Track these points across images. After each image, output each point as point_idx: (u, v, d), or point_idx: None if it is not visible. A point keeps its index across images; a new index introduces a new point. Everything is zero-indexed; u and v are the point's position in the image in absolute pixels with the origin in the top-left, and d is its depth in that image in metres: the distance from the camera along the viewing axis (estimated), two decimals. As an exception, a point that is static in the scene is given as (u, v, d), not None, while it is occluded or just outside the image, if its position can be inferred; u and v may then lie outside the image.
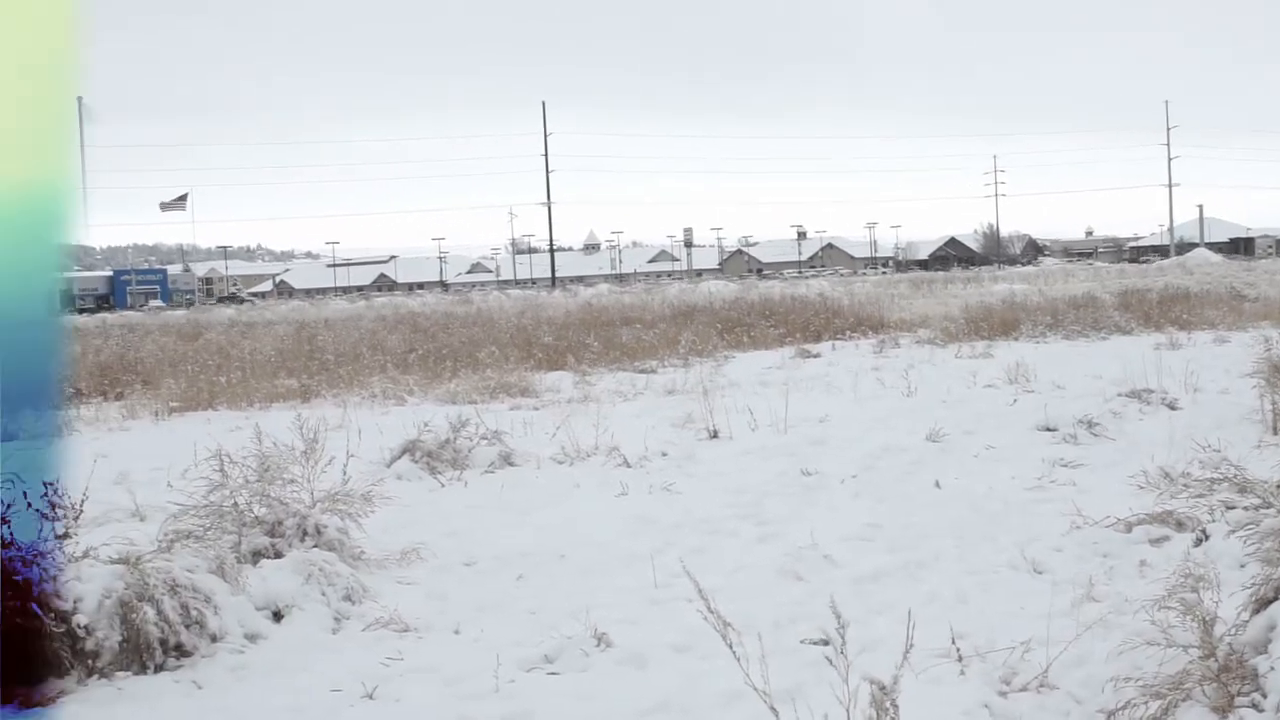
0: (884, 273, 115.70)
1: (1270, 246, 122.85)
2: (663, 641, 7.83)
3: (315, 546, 9.51)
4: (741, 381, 22.98)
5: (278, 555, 9.36)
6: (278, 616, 8.59)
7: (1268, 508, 8.73)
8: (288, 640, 8.27)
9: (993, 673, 6.94)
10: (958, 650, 7.06)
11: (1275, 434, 13.78)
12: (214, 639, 8.05)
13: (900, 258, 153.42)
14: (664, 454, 14.71)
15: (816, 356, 28.46)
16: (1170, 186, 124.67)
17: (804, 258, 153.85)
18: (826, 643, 5.87)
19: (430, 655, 7.92)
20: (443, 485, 13.66)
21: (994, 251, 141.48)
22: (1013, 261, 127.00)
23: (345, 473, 10.81)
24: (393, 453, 14.54)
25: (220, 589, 8.38)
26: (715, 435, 15.98)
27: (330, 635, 8.45)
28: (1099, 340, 29.49)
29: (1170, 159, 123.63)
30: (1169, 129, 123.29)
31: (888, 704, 5.02)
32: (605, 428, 15.65)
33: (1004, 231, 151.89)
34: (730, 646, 5.39)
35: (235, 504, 9.72)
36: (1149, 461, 11.94)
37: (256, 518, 9.78)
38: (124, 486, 12.98)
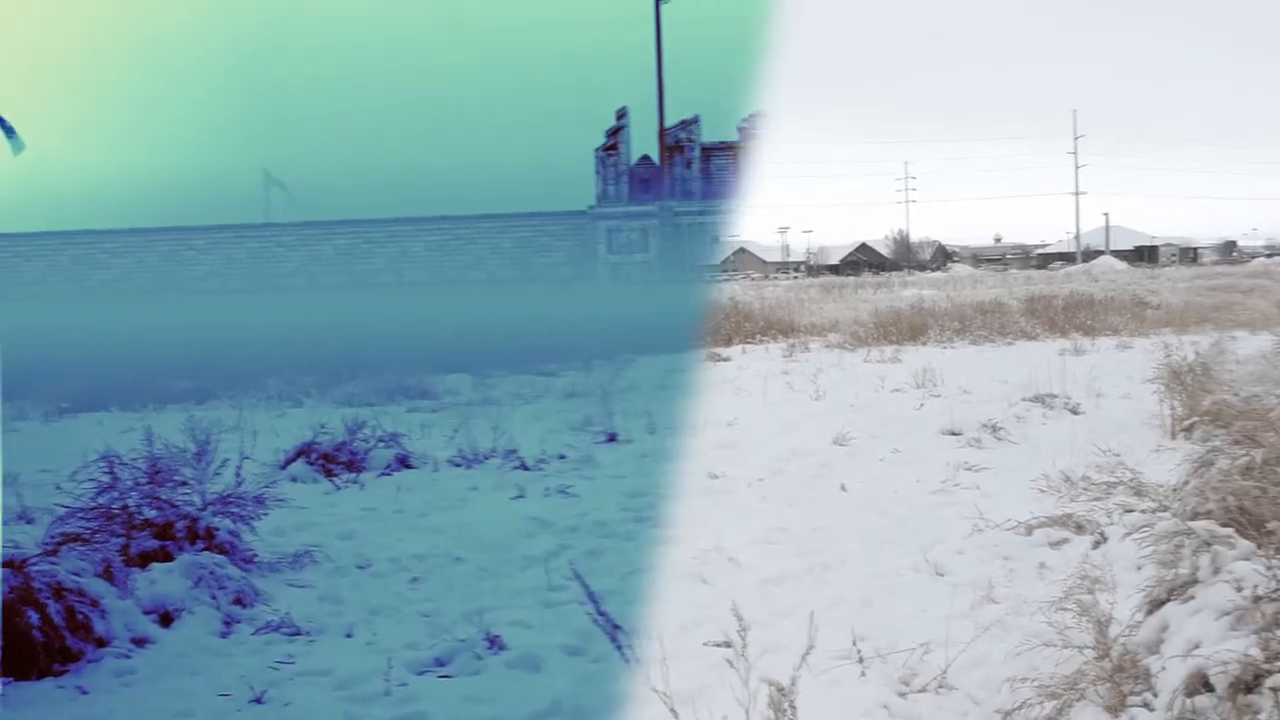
0: (795, 277, 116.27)
1: (1173, 254, 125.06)
2: (556, 644, 7.76)
3: (206, 549, 9.32)
4: (642, 384, 22.98)
5: (168, 558, 9.15)
6: (167, 620, 8.41)
7: (1163, 511, 8.84)
8: (176, 644, 8.09)
9: (893, 674, 6.91)
10: (859, 652, 7.03)
11: (1174, 438, 13.94)
12: (101, 643, 7.84)
13: (812, 262, 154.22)
14: (562, 456, 14.66)
15: (726, 360, 28.50)
16: (1077, 195, 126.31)
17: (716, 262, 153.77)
18: (730, 645, 5.82)
19: (322, 659, 7.78)
20: (338, 488, 13.49)
21: (904, 257, 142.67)
22: (923, 267, 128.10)
23: (239, 475, 10.61)
24: (288, 455, 14.34)
25: (108, 593, 8.19)
26: (614, 438, 15.93)
27: (220, 639, 8.28)
28: (1005, 345, 29.79)
29: (1078, 167, 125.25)
30: (1076, 138, 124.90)
31: (785, 705, 4.97)
32: (503, 431, 15.56)
33: (914, 237, 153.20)
34: (620, 649, 5.32)
35: (125, 506, 9.52)
36: (1051, 465, 12.03)
37: (146, 520, 9.56)
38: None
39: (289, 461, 14.22)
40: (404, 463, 14.49)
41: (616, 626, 5.95)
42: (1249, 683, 5.58)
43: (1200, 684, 5.73)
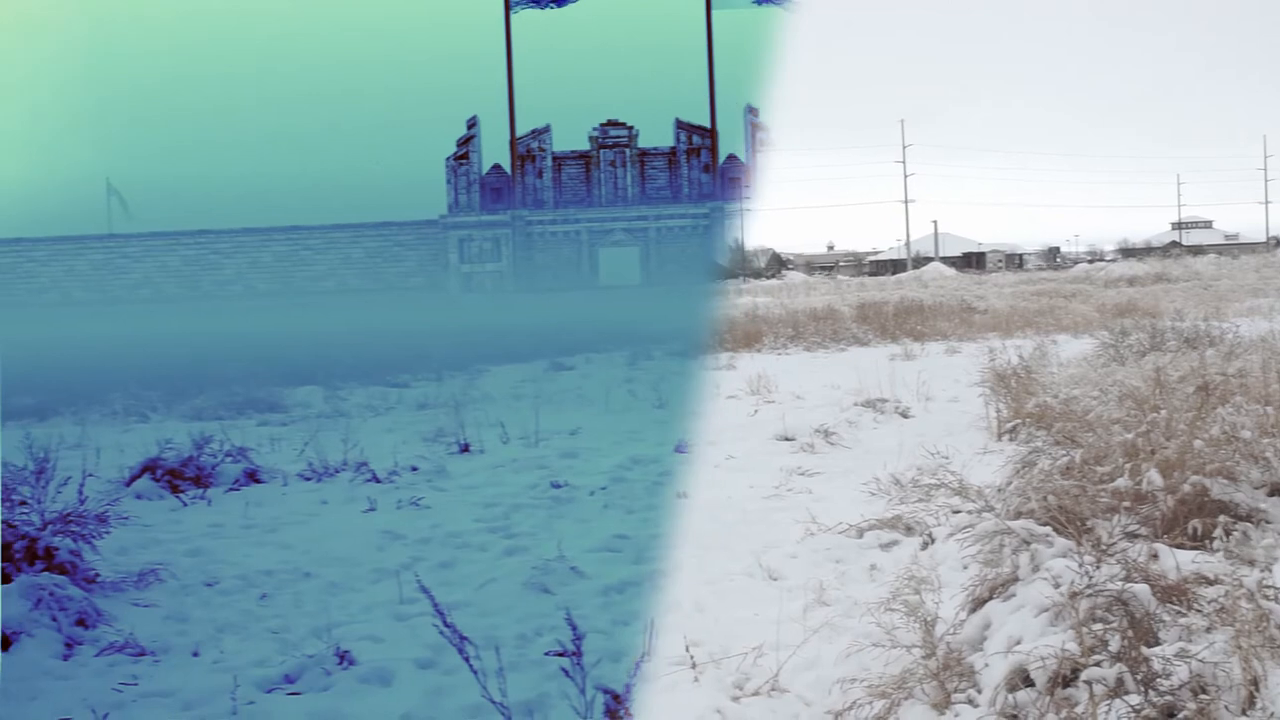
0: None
1: (1000, 261, 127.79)
2: (407, 657, 7.81)
3: (46, 570, 9.20)
4: (495, 395, 23.04)
5: (5, 580, 9.02)
6: (5, 643, 8.28)
7: (988, 511, 9.16)
8: (16, 668, 7.98)
9: (726, 678, 7.09)
10: (692, 658, 7.22)
11: (999, 440, 14.37)
12: (-65, 669, 7.74)
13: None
14: (414, 468, 14.66)
15: (570, 369, 28.64)
16: (906, 203, 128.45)
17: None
18: (566, 654, 5.97)
19: (167, 679, 7.75)
20: (185, 504, 13.34)
21: (739, 265, 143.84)
22: (757, 275, 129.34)
23: (81, 493, 10.49)
24: (132, 471, 14.16)
25: (-58, 616, 8.07)
26: (467, 449, 15.97)
27: (61, 662, 8.18)
28: (838, 351, 30.33)
29: (906, 176, 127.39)
30: (905, 147, 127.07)
31: (621, 712, 5.14)
32: (355, 443, 15.52)
33: (749, 245, 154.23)
34: (468, 661, 5.44)
35: (-42, 527, 9.37)
36: (881, 469, 12.35)
37: (-17, 542, 9.42)
38: None
39: (134, 478, 14.03)
40: (253, 477, 14.37)
41: (464, 638, 6.05)
42: (1066, 677, 5.84)
43: (1021, 679, 5.99)
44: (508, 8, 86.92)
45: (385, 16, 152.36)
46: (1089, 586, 6.32)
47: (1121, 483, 8.87)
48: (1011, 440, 13.88)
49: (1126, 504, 8.61)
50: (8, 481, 9.97)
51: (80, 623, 8.69)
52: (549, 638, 7.93)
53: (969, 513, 9.15)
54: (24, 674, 7.89)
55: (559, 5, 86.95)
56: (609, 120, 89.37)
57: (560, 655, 7.15)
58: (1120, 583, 6.38)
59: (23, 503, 9.91)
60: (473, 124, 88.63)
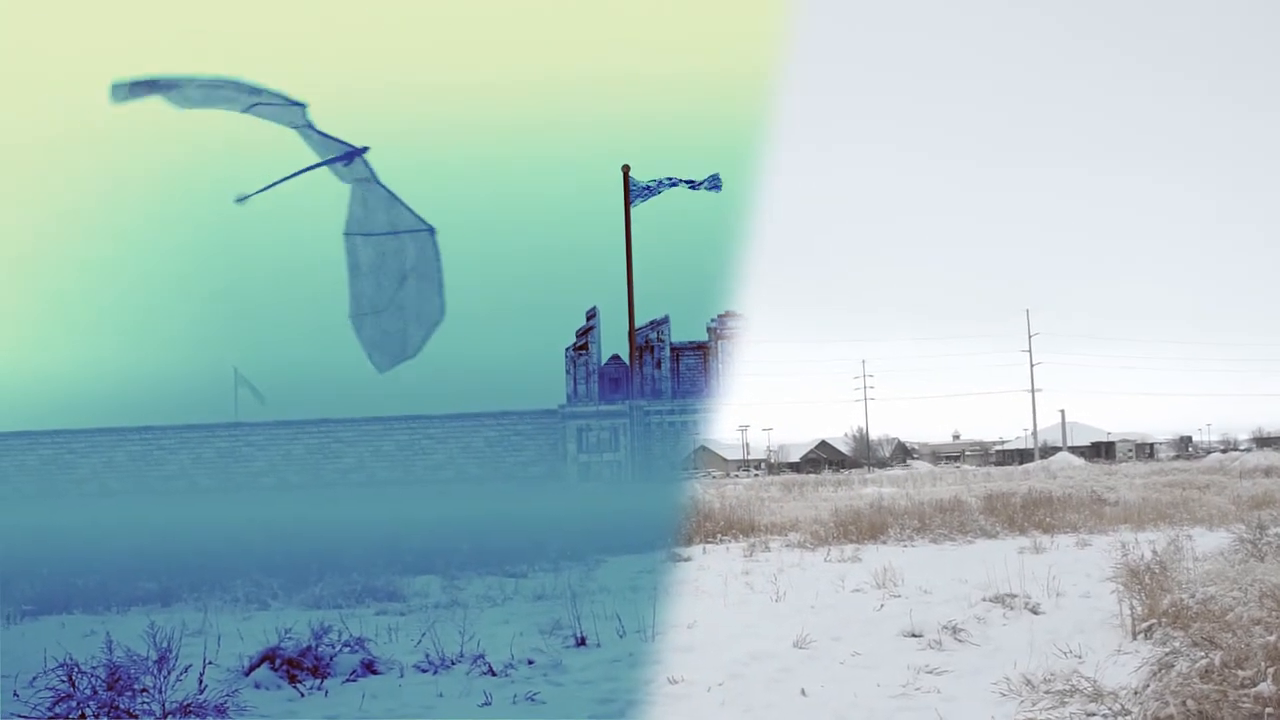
0: (756, 475, 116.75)
1: (1130, 450, 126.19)
2: None
3: (165, 761, 9.22)
4: (612, 586, 22.91)
5: (125, 770, 9.05)
6: (122, 836, 8.28)
7: (1125, 715, 8.86)
8: None
9: None
10: None
11: (1134, 639, 13.98)
12: None
13: (772, 460, 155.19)
14: (530, 661, 14.55)
15: (687, 560, 28.43)
16: (1033, 392, 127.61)
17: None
18: None
19: None
20: (302, 695, 13.31)
21: (864, 454, 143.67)
22: (882, 464, 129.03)
23: (201, 682, 10.53)
24: (252, 660, 14.20)
25: (62, 807, 8.09)
26: (583, 642, 15.84)
27: None
28: (965, 544, 29.80)
29: (1033, 365, 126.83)
30: (1030, 336, 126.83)
31: None
32: (472, 634, 15.47)
33: (873, 434, 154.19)
34: None
35: (82, 716, 9.45)
36: (1012, 668, 12.05)
37: (105, 731, 9.49)
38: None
39: (253, 668, 14.05)
40: (370, 668, 14.33)
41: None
42: None
43: None
44: (627, 202, 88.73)
45: (505, 209, 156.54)
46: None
47: (1265, 687, 8.54)
48: (1147, 639, 13.50)
49: (1270, 710, 8.28)
50: (132, 670, 10.05)
51: (195, 815, 8.66)
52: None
53: (1104, 717, 8.87)
54: None
55: (690, 186, 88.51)
56: (726, 311, 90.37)
57: None
58: (1268, 795, 6.09)
59: (144, 691, 9.98)
60: (592, 315, 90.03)
